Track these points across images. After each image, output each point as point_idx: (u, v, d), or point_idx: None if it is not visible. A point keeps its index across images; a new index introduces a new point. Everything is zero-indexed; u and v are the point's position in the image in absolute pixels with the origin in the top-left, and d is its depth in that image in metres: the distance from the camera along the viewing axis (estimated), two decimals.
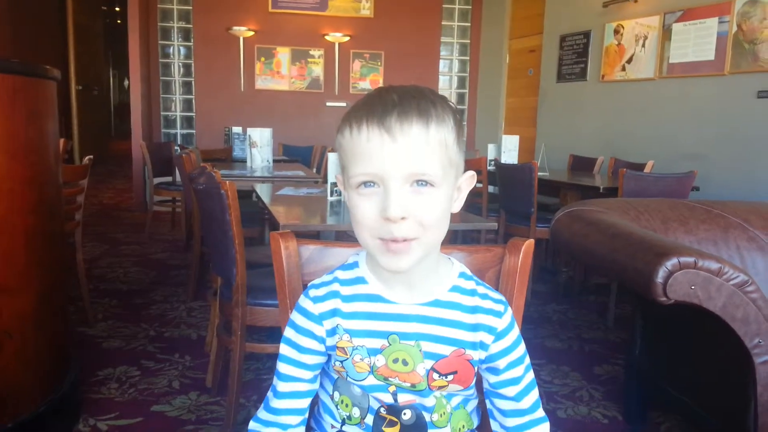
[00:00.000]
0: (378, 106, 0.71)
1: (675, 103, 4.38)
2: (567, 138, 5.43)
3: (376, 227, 0.72)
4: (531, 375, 0.86)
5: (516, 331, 0.84)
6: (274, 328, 1.92)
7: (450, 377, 0.80)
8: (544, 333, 2.95)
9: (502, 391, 0.85)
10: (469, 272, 0.85)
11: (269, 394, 0.86)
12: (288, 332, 0.84)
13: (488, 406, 0.89)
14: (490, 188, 4.16)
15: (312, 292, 0.83)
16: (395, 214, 0.70)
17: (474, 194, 3.96)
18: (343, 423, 0.84)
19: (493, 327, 0.81)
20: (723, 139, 4.00)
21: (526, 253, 0.98)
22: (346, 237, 2.30)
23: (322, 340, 0.82)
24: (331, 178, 2.52)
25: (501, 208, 3.83)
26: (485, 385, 0.88)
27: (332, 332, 0.80)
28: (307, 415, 0.86)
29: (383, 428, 0.81)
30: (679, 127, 4.34)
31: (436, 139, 0.71)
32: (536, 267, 3.75)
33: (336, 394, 0.84)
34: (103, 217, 5.71)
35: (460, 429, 0.85)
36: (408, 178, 0.70)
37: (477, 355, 0.81)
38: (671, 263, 1.46)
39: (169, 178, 5.00)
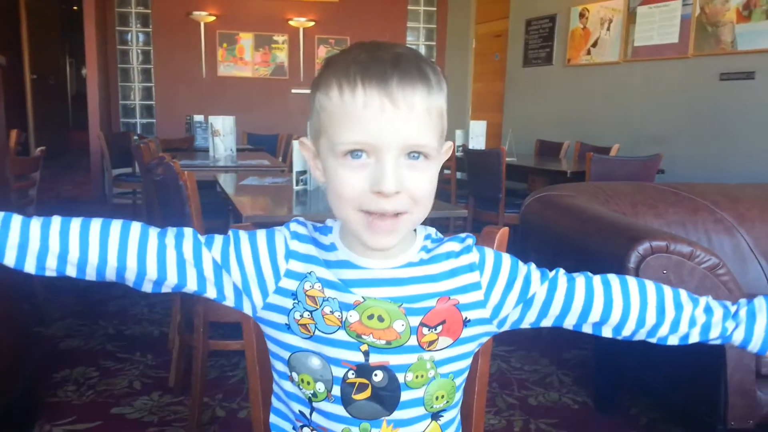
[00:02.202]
0: (374, 66, 0.63)
1: (640, 86, 4.41)
2: (533, 123, 5.44)
3: (362, 200, 0.65)
4: (528, 265, 0.79)
5: (490, 252, 0.77)
6: (238, 323, 1.85)
7: (438, 328, 0.73)
8: None
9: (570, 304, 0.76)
10: (435, 234, 0.79)
11: (174, 231, 0.74)
12: (258, 232, 0.75)
13: (568, 324, 0.79)
14: (459, 174, 4.13)
15: (294, 227, 0.74)
16: (390, 188, 0.63)
17: (443, 181, 3.92)
18: (311, 403, 0.76)
19: (471, 263, 0.75)
20: (687, 121, 4.04)
21: (501, 241, 0.94)
22: None
23: (276, 271, 0.73)
24: (296, 167, 2.44)
25: (469, 195, 3.80)
26: (573, 321, 0.77)
27: (298, 277, 0.72)
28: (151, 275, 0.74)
29: (353, 396, 0.73)
30: (644, 110, 4.36)
31: (435, 108, 0.66)
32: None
33: (294, 375, 0.76)
34: (61, 211, 5.43)
35: (436, 398, 0.77)
36: (404, 149, 0.65)
37: (467, 297, 0.74)
38: (643, 247, 1.44)
39: (129, 170, 4.85)
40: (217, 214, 3.13)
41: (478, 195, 3.75)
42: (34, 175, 2.69)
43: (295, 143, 2.50)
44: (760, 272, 2.06)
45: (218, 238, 0.75)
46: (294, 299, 0.73)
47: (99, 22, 5.87)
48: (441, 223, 4.02)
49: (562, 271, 0.80)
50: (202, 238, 0.74)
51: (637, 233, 1.48)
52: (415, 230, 0.77)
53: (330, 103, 0.66)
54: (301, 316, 0.73)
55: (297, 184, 2.41)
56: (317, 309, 0.72)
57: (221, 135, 3.81)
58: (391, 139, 0.64)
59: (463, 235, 0.79)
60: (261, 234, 0.75)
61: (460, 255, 0.75)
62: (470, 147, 4.21)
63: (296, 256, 0.73)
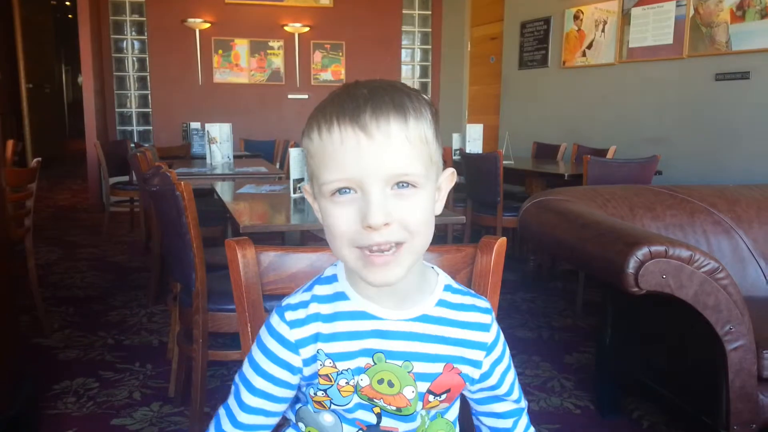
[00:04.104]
0: (348, 103, 0.63)
1: (635, 87, 4.41)
2: (530, 125, 5.44)
3: (355, 236, 0.64)
4: (514, 371, 0.84)
5: (502, 337, 0.80)
6: (237, 333, 1.85)
7: (443, 396, 0.74)
8: (513, 323, 2.93)
9: (503, 395, 0.82)
10: (455, 284, 0.78)
11: (225, 420, 0.76)
12: (259, 358, 0.73)
13: (479, 408, 0.85)
14: (457, 179, 4.13)
15: (289, 315, 0.72)
16: (377, 221, 0.62)
17: None
18: None
19: (484, 342, 0.76)
20: (683, 122, 4.04)
21: (499, 252, 0.93)
22: (311, 236, 2.23)
23: (298, 371, 0.72)
24: (294, 174, 2.44)
25: (467, 198, 3.80)
26: (480, 395, 0.83)
27: (312, 360, 0.71)
28: None
29: None
30: (640, 111, 4.37)
31: (416, 135, 0.64)
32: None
33: (301, 425, 0.77)
34: (59, 220, 5.51)
35: None
36: (389, 180, 0.63)
37: (467, 370, 0.75)
38: (642, 253, 1.44)
39: (126, 178, 4.84)
40: (215, 222, 3.13)
41: (475, 199, 3.75)
42: (31, 186, 2.68)
43: (292, 150, 2.50)
44: (759, 273, 2.06)
45: (235, 407, 0.75)
46: (315, 379, 0.73)
47: (94, 30, 5.86)
48: (439, 229, 4.01)
49: (521, 406, 0.87)
50: (234, 409, 0.75)
51: (635, 238, 1.48)
52: (437, 274, 0.77)
53: (313, 145, 0.66)
54: (315, 393, 0.73)
55: (294, 192, 2.41)
56: (332, 385, 0.71)
57: (218, 142, 3.81)
58: (372, 171, 0.63)
59: (485, 304, 0.79)
60: (261, 358, 0.73)
61: (477, 329, 0.76)
62: (467, 151, 4.21)
63: (303, 344, 0.72)
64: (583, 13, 4.85)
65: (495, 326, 0.79)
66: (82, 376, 2.30)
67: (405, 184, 0.64)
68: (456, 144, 4.41)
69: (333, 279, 0.75)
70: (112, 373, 2.34)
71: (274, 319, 0.73)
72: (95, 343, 2.63)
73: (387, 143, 0.63)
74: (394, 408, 0.72)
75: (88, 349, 2.56)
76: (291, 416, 0.78)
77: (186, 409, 2.03)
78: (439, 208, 0.71)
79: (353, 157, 0.63)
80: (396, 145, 0.63)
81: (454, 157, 4.18)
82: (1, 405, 1.74)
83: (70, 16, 11.84)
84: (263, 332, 0.74)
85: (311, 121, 0.66)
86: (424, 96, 0.69)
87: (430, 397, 0.73)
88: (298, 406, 0.77)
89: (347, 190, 0.64)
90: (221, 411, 0.77)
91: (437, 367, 0.73)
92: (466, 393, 0.83)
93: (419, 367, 0.72)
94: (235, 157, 4.05)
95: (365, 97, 0.64)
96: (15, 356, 1.88)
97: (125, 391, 2.19)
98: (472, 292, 0.80)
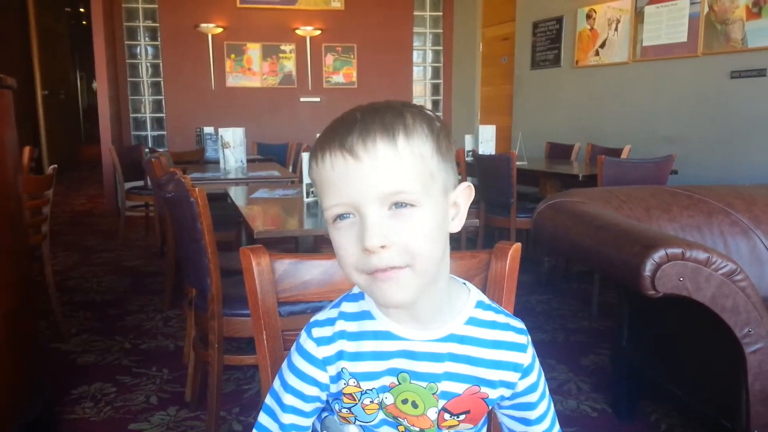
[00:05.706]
0: (339, 129, 0.64)
1: (649, 86, 4.38)
2: (543, 125, 5.42)
3: (358, 262, 0.64)
4: (551, 404, 0.81)
5: (537, 363, 0.78)
6: (252, 338, 1.85)
7: (462, 417, 0.73)
8: (528, 325, 2.85)
9: (532, 429, 0.79)
10: (487, 300, 0.76)
11: None
12: (290, 378, 0.74)
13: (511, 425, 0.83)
14: (469, 180, 4.12)
15: (316, 332, 0.73)
16: (373, 243, 0.61)
17: None
18: None
19: (519, 363, 0.74)
20: (698, 120, 4.00)
21: (513, 257, 0.93)
22: (324, 240, 2.23)
23: (326, 388, 0.73)
24: (306, 179, 2.44)
25: (481, 200, 3.79)
26: (511, 424, 0.81)
27: (337, 378, 0.72)
28: None
29: None
30: (655, 110, 4.33)
31: (407, 153, 0.62)
32: None
33: None
34: (75, 225, 5.57)
35: None
36: (383, 200, 0.62)
37: (495, 393, 0.74)
38: (659, 255, 1.42)
39: (141, 183, 4.88)
40: (229, 226, 3.14)
41: (489, 200, 3.74)
42: (48, 193, 2.71)
43: (305, 155, 2.50)
44: None
45: (265, 419, 0.76)
46: (340, 396, 0.73)
47: (108, 36, 5.93)
48: (453, 235, 4.00)
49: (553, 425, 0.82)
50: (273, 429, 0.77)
51: (651, 241, 1.46)
52: (469, 291, 0.76)
53: (314, 174, 0.67)
54: (340, 410, 0.74)
55: (308, 196, 2.41)
56: (356, 404, 0.72)
57: (231, 147, 3.83)
58: (363, 192, 0.62)
59: (520, 325, 0.77)
60: (290, 375, 0.74)
61: (512, 349, 0.74)
62: (480, 152, 4.20)
63: (329, 361, 0.72)
64: (595, 12, 4.82)
65: (531, 350, 0.76)
66: (100, 381, 2.32)
67: (402, 204, 0.63)
68: (469, 145, 4.40)
69: (360, 297, 0.74)
70: (129, 378, 2.35)
71: (303, 338, 0.74)
72: (112, 348, 2.65)
73: (374, 164, 0.62)
74: (417, 429, 0.72)
75: (105, 354, 2.59)
76: (317, 424, 0.79)
77: (202, 413, 2.04)
78: (457, 226, 0.70)
79: (344, 180, 0.62)
80: (384, 164, 0.62)
81: (467, 159, 4.16)
82: (19, 410, 1.76)
83: (84, 23, 11.98)
84: (293, 350, 0.75)
85: (312, 152, 0.67)
86: (428, 112, 0.67)
87: (446, 415, 0.72)
88: (324, 414, 0.78)
89: (347, 215, 0.64)
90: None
91: (458, 387, 0.72)
92: (495, 409, 0.82)
93: (444, 386, 0.72)
94: (248, 160, 4.08)
95: (355, 119, 0.64)
96: (33, 362, 1.90)
97: (142, 396, 2.20)
98: (507, 312, 0.79)
